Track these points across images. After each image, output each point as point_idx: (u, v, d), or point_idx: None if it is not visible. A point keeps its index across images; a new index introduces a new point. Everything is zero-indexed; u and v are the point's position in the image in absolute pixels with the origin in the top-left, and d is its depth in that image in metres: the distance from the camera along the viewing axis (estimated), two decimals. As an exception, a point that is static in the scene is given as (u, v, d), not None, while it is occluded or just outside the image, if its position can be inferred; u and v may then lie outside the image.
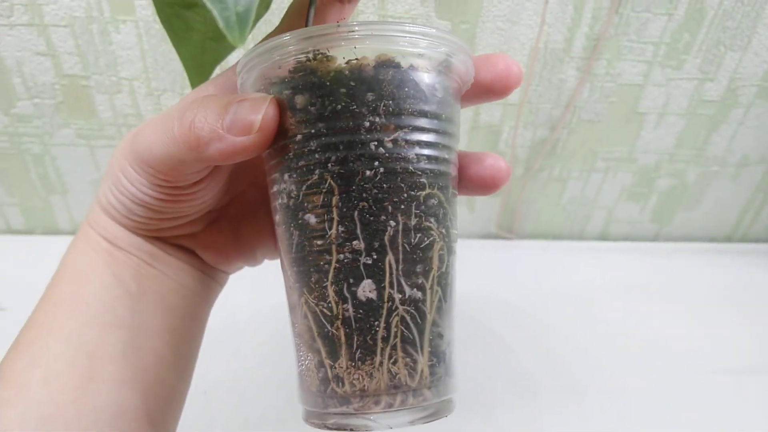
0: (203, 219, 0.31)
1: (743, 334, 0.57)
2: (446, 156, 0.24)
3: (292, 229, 0.24)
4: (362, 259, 0.22)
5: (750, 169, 0.63)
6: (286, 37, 0.22)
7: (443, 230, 0.24)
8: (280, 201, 0.24)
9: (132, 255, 0.28)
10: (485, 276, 0.62)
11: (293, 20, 0.28)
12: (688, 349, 0.55)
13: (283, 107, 0.23)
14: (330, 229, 0.23)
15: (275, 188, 0.25)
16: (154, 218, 0.28)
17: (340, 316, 0.23)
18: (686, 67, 0.56)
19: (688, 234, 0.70)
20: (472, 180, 0.27)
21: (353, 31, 0.22)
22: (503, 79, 0.25)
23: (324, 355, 0.23)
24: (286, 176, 0.24)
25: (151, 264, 0.29)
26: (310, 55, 0.22)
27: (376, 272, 0.22)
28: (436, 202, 0.24)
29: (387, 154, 0.22)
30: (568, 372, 0.52)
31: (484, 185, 0.27)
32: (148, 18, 0.51)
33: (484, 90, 0.26)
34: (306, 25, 0.26)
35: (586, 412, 0.48)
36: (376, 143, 0.22)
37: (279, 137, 0.24)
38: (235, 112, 0.22)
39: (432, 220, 0.23)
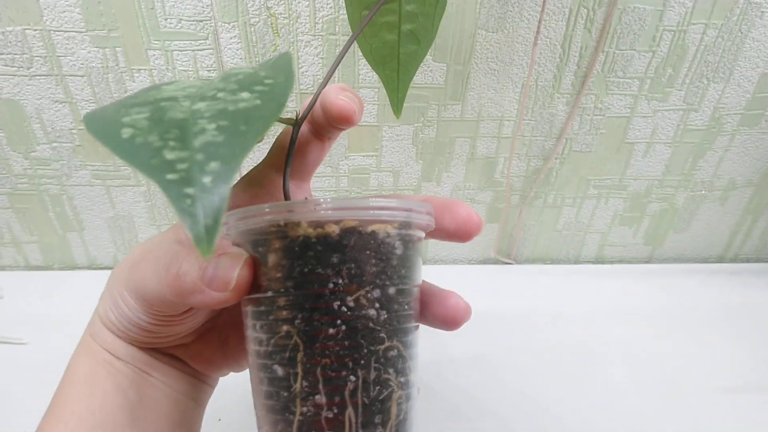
0: (194, 332, 0.33)
1: (737, 352, 0.60)
2: (406, 306, 0.26)
3: (261, 375, 0.26)
4: (323, 413, 0.24)
5: (737, 192, 0.66)
6: (266, 208, 0.25)
7: (402, 379, 0.25)
8: (252, 346, 0.26)
9: (130, 365, 0.31)
10: (485, 300, 0.64)
11: (277, 155, 0.32)
12: (683, 368, 0.58)
13: (257, 263, 0.25)
14: (294, 382, 0.24)
15: (248, 333, 0.27)
16: (148, 337, 0.30)
17: None
18: (671, 99, 0.58)
19: (680, 255, 0.72)
20: (434, 318, 0.29)
21: (320, 206, 0.24)
22: (464, 227, 0.28)
23: None
24: (257, 325, 0.26)
25: (148, 372, 0.31)
26: (282, 222, 0.24)
27: (336, 426, 0.24)
28: (395, 353, 0.25)
29: (349, 313, 0.24)
30: (568, 394, 0.54)
31: (446, 324, 0.28)
32: (161, 67, 0.55)
33: (446, 235, 0.28)
34: (286, 161, 0.30)
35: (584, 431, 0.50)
36: (339, 303, 0.24)
37: (253, 289, 0.26)
38: (214, 267, 0.25)
39: (391, 371, 0.25)
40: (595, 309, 0.64)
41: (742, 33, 0.54)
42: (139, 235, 0.67)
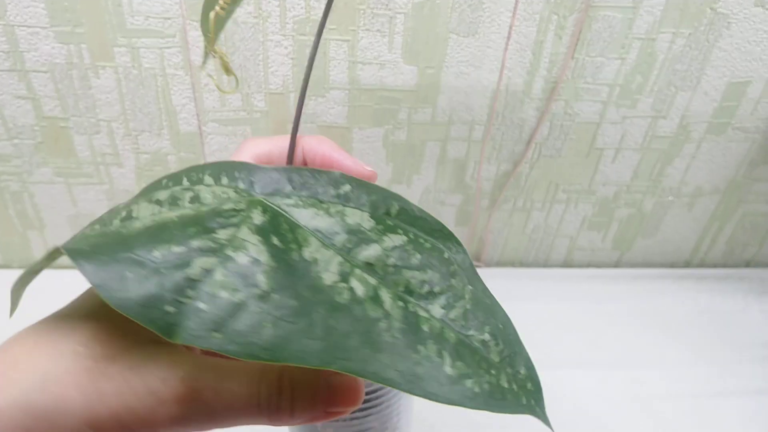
0: None
1: (702, 357, 0.61)
2: None
3: None
4: None
5: (704, 198, 0.67)
6: None
7: None
8: None
9: None
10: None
11: None
12: (649, 372, 0.58)
13: None
14: None
15: None
16: None
17: None
18: (640, 106, 0.59)
19: (648, 260, 0.73)
20: None
21: None
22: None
23: None
24: None
25: None
26: None
27: None
28: None
29: None
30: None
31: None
32: (127, 64, 0.53)
33: None
34: None
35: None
36: None
37: None
38: None
39: None
40: (563, 312, 0.65)
41: (709, 42, 0.55)
42: (104, 235, 0.65)
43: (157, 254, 0.20)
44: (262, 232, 0.22)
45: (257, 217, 0.23)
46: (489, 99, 0.58)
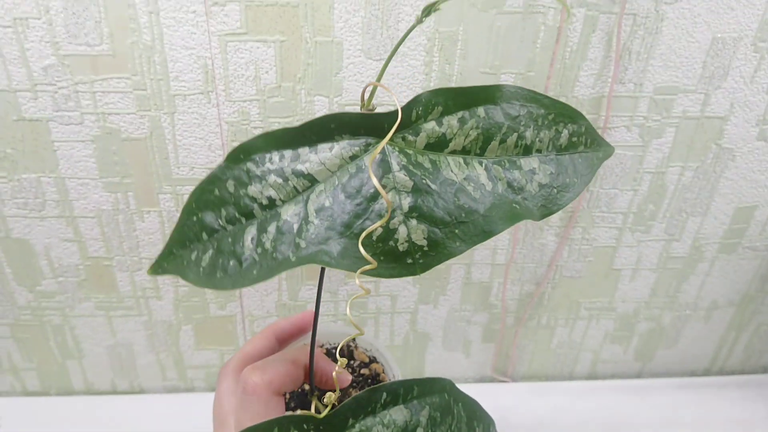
0: None
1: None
2: None
3: None
4: None
5: (720, 311, 0.69)
6: None
7: None
8: None
9: None
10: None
11: None
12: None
13: None
14: None
15: None
16: None
17: None
18: (653, 231, 0.62)
19: (669, 370, 0.74)
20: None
21: None
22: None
23: None
24: None
25: None
26: None
27: None
28: None
29: None
30: None
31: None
32: (171, 208, 0.57)
33: None
34: None
35: None
36: None
37: None
38: None
39: None
40: (588, 423, 0.66)
41: (716, 173, 0.59)
42: (137, 361, 0.67)
43: None
44: None
45: None
46: (510, 228, 0.61)
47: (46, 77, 0.49)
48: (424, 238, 0.29)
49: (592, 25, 0.50)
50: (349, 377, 0.40)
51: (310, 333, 0.35)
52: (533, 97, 0.31)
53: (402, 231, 0.29)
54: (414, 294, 0.66)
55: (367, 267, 0.27)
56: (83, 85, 0.50)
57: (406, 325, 0.68)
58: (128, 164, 0.54)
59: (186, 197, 0.56)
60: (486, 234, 0.29)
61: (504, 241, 0.62)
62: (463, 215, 0.29)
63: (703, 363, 0.74)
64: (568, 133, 0.33)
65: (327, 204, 0.28)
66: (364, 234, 0.28)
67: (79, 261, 0.60)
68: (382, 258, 0.28)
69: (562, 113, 0.33)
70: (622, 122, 0.55)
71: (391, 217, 0.28)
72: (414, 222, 0.29)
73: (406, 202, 0.29)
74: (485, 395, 0.70)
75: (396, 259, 0.28)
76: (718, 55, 0.52)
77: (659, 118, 0.55)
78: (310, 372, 0.36)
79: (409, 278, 0.64)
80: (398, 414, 0.32)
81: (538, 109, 0.32)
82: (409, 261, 0.28)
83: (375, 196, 0.28)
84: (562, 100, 0.53)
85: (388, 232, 0.28)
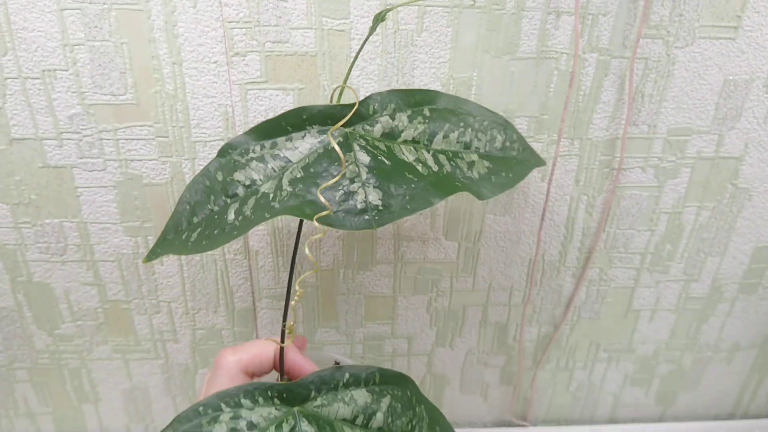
0: None
1: None
2: None
3: None
4: None
5: (742, 353, 0.68)
6: None
7: None
8: None
9: None
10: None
11: None
12: None
13: None
14: None
15: None
16: None
17: None
18: (672, 271, 0.62)
19: (692, 413, 0.73)
20: None
21: None
22: None
23: None
24: None
25: None
26: None
27: None
28: None
29: None
30: None
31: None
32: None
33: None
34: None
35: None
36: None
37: None
38: None
39: None
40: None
41: (733, 213, 0.58)
42: (152, 405, 0.67)
43: None
44: None
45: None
46: (527, 268, 0.61)
47: (72, 125, 0.51)
48: (379, 199, 0.36)
49: (605, 69, 0.51)
50: (316, 366, 0.42)
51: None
52: (465, 103, 0.41)
53: (360, 193, 0.36)
54: (431, 336, 0.65)
55: (323, 213, 0.35)
56: (107, 132, 0.51)
57: (423, 368, 0.67)
58: (149, 209, 0.55)
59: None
60: (428, 202, 0.36)
61: (520, 282, 0.62)
62: (413, 186, 0.36)
63: (727, 406, 0.73)
64: (501, 140, 0.42)
65: (298, 176, 0.36)
66: (321, 187, 0.35)
67: (98, 304, 0.60)
68: (343, 214, 0.35)
69: (494, 121, 0.42)
70: (637, 163, 0.55)
71: (352, 183, 0.36)
72: (371, 188, 0.36)
73: (364, 171, 0.36)
74: (504, 440, 0.69)
75: (356, 214, 0.35)
76: (730, 96, 0.53)
77: (674, 159, 0.55)
78: (280, 361, 0.41)
79: (426, 321, 0.64)
80: (360, 396, 0.37)
81: (471, 114, 0.41)
82: (366, 217, 0.35)
83: (336, 164, 0.37)
84: (577, 142, 0.54)
85: (349, 195, 0.36)
